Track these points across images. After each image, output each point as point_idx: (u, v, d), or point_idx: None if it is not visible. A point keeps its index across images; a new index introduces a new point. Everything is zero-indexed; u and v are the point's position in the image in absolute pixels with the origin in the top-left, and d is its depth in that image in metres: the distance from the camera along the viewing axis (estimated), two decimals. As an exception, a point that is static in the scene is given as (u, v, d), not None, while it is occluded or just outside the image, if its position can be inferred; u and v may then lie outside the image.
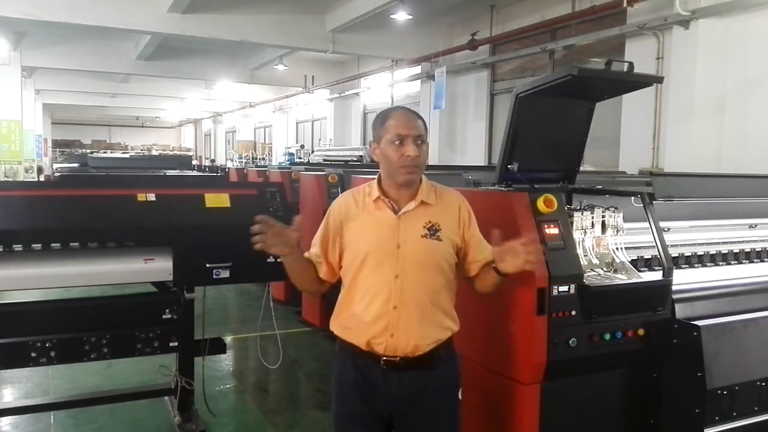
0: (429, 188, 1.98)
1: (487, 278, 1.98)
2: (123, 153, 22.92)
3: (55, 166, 15.95)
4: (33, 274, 2.75)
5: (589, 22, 7.51)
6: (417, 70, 11.29)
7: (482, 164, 9.03)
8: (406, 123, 1.92)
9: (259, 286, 5.73)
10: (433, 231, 1.92)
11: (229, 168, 11.53)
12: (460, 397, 2.02)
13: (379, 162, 1.97)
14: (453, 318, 2.00)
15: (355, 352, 1.93)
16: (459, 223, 1.98)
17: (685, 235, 2.95)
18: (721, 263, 3.00)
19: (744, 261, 3.07)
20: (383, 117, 1.97)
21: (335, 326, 2.02)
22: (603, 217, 2.58)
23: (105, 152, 21.23)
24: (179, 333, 3.05)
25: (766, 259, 3.14)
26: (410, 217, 1.93)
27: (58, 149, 25.09)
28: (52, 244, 2.77)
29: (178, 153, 23.41)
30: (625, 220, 2.61)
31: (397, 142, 1.90)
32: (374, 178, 2.02)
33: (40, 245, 2.75)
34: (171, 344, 3.03)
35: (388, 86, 12.90)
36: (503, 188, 2.64)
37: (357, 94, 14.16)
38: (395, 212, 1.94)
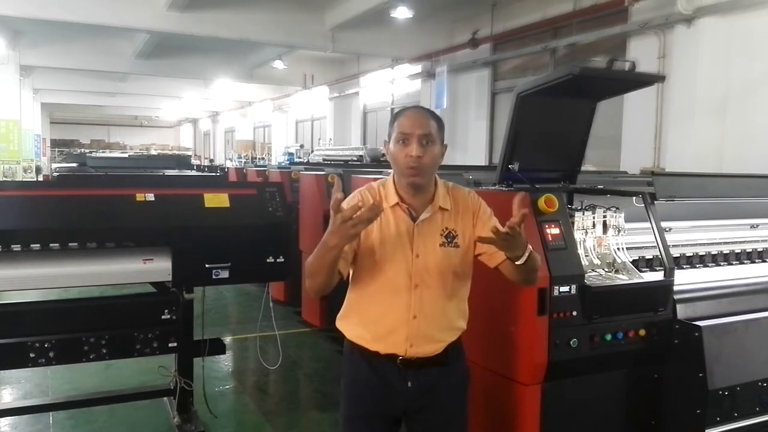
0: (445, 192, 1.93)
1: (510, 269, 1.85)
2: (121, 153, 22.86)
3: (54, 165, 15.94)
4: (31, 274, 2.74)
5: (590, 20, 7.50)
6: (417, 68, 11.28)
7: (483, 164, 9.01)
8: (412, 122, 1.84)
9: (258, 286, 5.71)
10: (450, 238, 1.88)
11: (228, 168, 11.51)
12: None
13: (390, 162, 1.93)
14: (465, 317, 1.98)
15: (370, 354, 1.91)
16: (474, 222, 1.91)
17: (686, 235, 2.95)
18: (722, 263, 2.99)
19: (745, 261, 3.07)
20: (395, 115, 1.92)
21: (344, 326, 1.98)
22: (604, 217, 2.57)
23: (103, 152, 21.17)
24: (178, 333, 3.05)
25: (767, 259, 3.13)
26: (427, 224, 1.88)
27: (56, 149, 25.04)
28: (51, 245, 2.75)
29: (176, 153, 23.37)
30: (627, 220, 2.61)
31: (401, 142, 1.84)
32: (382, 178, 1.98)
33: (38, 245, 2.73)
34: (170, 345, 3.03)
35: (389, 84, 12.89)
36: (504, 188, 2.63)
37: (357, 93, 14.14)
38: (413, 219, 1.88)
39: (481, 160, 9.76)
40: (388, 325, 1.87)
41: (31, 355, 2.76)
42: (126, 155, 19.17)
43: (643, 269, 2.71)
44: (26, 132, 14.48)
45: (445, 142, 1.92)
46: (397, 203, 1.89)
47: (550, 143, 2.76)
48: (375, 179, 4.27)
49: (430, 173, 1.87)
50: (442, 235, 1.88)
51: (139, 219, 2.93)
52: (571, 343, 2.32)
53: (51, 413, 3.48)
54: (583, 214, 2.54)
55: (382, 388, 1.90)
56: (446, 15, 9.93)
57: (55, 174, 9.43)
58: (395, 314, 1.86)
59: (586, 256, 2.52)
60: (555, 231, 2.36)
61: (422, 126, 1.83)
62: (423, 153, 1.82)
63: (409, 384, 1.90)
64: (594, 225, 2.55)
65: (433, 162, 1.86)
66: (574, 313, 2.32)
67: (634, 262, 2.64)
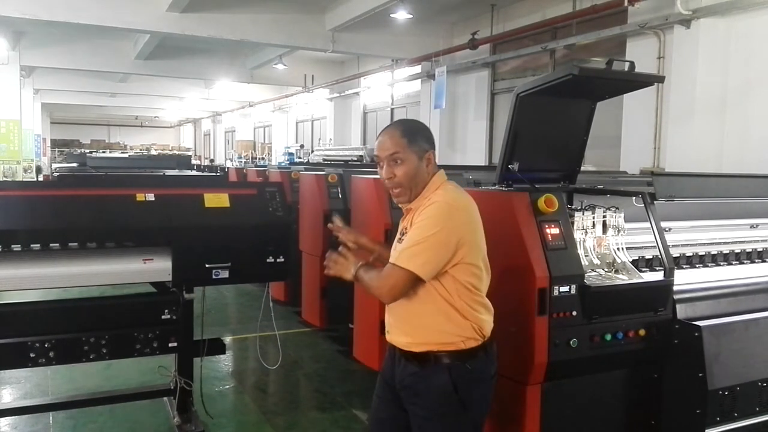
0: (428, 195, 1.96)
1: None
2: (122, 153, 22.87)
3: (54, 165, 15.96)
4: (32, 274, 2.74)
5: (589, 21, 7.49)
6: (417, 69, 11.28)
7: (483, 164, 9.02)
8: (379, 144, 1.99)
9: (258, 286, 5.72)
10: (402, 234, 1.98)
11: (228, 168, 11.51)
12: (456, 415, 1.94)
13: None
14: (456, 323, 1.92)
15: None
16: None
17: (686, 235, 2.95)
18: (722, 263, 3.00)
19: (745, 261, 3.07)
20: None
21: None
22: (604, 217, 2.57)
23: (104, 152, 21.17)
24: (178, 333, 3.05)
25: (767, 259, 3.13)
26: (404, 221, 2.03)
27: (56, 149, 25.05)
28: (51, 244, 2.76)
29: (177, 153, 23.37)
30: (626, 220, 2.61)
31: (379, 165, 2.01)
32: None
33: (38, 245, 2.74)
34: (170, 345, 3.03)
35: (388, 86, 12.89)
36: (504, 188, 2.63)
37: (357, 93, 14.14)
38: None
39: (481, 160, 9.76)
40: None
41: (31, 355, 2.77)
42: (126, 155, 19.18)
43: (643, 269, 2.71)
44: (26, 132, 14.48)
45: (430, 149, 1.97)
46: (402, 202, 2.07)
47: (550, 143, 2.76)
48: (375, 179, 4.28)
49: (411, 187, 1.97)
50: (401, 232, 2.00)
51: (139, 219, 2.93)
52: (571, 343, 2.32)
53: (51, 413, 3.48)
54: (583, 214, 2.54)
55: (390, 359, 2.08)
56: (446, 16, 9.93)
57: (56, 174, 9.44)
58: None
59: (586, 256, 2.52)
60: (555, 231, 2.37)
61: (387, 147, 1.96)
62: (393, 173, 1.95)
63: (399, 370, 2.00)
64: (594, 225, 2.55)
65: (408, 177, 1.95)
66: (574, 313, 2.33)
67: (634, 262, 2.64)
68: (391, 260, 1.91)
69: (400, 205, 2.07)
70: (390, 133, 1.97)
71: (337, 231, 2.23)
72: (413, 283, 1.88)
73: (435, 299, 1.91)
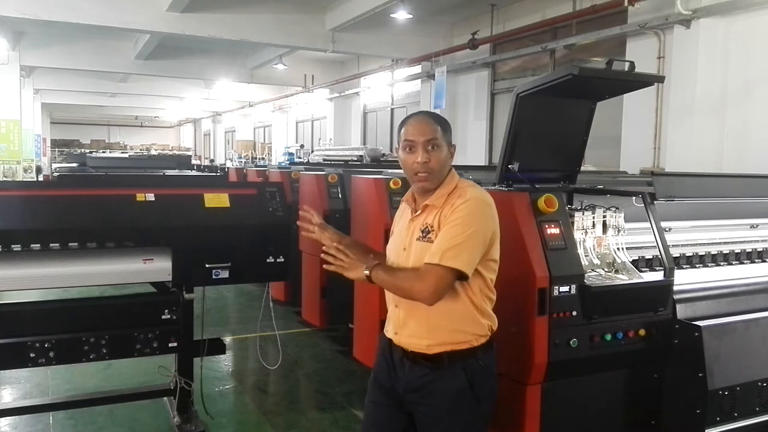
0: (446, 190, 1.94)
1: None
2: (122, 153, 22.87)
3: (54, 165, 15.96)
4: (32, 274, 2.75)
5: (590, 21, 7.49)
6: (417, 69, 11.28)
7: (483, 164, 9.01)
8: (415, 129, 1.93)
9: (258, 286, 5.72)
10: (425, 233, 1.92)
11: (228, 168, 11.50)
12: (475, 410, 1.94)
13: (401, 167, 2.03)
14: (474, 321, 1.93)
15: (385, 336, 2.07)
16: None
17: (686, 235, 2.95)
18: (722, 263, 3.00)
19: (745, 261, 3.08)
20: (402, 122, 2.01)
21: None
22: (604, 217, 2.57)
23: (104, 152, 21.19)
24: (178, 333, 3.05)
25: (767, 259, 3.13)
26: (418, 219, 1.97)
27: (56, 149, 25.06)
28: (51, 245, 2.76)
29: (177, 153, 23.37)
30: (626, 220, 2.61)
31: (408, 149, 1.94)
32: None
33: (39, 245, 2.74)
34: (170, 345, 3.03)
35: (388, 86, 12.89)
36: (504, 188, 2.63)
37: (357, 93, 14.14)
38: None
39: (481, 160, 9.76)
40: (388, 312, 2.06)
41: (31, 355, 2.77)
42: (126, 155, 19.18)
43: (643, 269, 2.71)
44: (27, 132, 14.48)
45: (453, 143, 2.00)
46: (407, 198, 2.03)
47: (550, 143, 2.76)
48: (375, 179, 4.27)
49: (439, 176, 1.95)
50: (421, 229, 1.94)
51: (139, 219, 2.93)
52: (571, 343, 2.32)
53: (51, 413, 3.48)
54: (583, 214, 2.54)
55: (386, 367, 2.03)
56: (446, 16, 9.93)
57: (56, 174, 9.44)
58: (390, 303, 2.04)
59: (586, 256, 2.52)
60: (555, 231, 2.37)
61: (426, 132, 1.92)
62: (429, 158, 1.91)
63: (405, 372, 1.96)
64: (594, 225, 2.56)
65: (440, 165, 1.94)
66: (574, 313, 2.33)
67: (634, 262, 2.64)
68: (429, 260, 1.83)
69: (403, 201, 2.06)
70: (425, 119, 1.96)
71: (310, 227, 2.11)
72: (455, 281, 1.85)
73: (460, 298, 1.90)
